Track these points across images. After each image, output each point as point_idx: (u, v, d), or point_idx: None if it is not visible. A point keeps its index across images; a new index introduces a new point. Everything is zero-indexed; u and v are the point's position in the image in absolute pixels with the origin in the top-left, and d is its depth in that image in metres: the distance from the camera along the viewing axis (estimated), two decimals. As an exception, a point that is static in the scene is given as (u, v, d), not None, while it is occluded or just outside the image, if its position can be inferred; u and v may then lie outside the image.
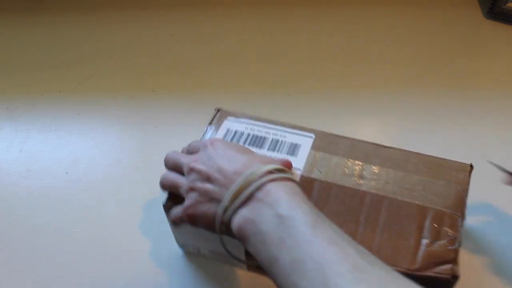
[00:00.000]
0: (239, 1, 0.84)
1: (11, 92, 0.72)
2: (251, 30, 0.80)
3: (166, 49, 0.77)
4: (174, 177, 0.44)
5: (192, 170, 0.42)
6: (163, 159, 0.46)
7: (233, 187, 0.38)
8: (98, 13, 0.83)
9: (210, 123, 0.52)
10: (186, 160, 0.43)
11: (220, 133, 0.51)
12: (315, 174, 0.47)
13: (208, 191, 0.40)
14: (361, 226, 0.43)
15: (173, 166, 0.45)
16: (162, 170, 0.62)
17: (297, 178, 0.46)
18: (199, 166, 0.41)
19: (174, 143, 0.65)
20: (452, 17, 0.81)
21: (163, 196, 0.46)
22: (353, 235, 0.43)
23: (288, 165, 0.45)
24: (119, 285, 0.53)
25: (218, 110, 0.53)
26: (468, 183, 0.46)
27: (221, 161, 0.41)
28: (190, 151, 0.46)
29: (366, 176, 0.46)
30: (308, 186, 0.46)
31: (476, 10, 0.81)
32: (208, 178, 0.40)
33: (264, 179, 0.38)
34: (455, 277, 0.40)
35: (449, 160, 0.48)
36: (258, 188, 0.37)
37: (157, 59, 0.76)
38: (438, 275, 0.40)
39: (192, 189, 0.41)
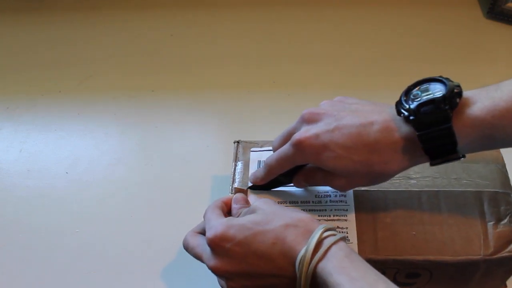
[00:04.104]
0: (239, 1, 0.84)
1: (11, 92, 0.72)
2: (251, 30, 0.80)
3: (166, 49, 0.77)
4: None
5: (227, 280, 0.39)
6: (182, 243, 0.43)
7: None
8: (98, 13, 0.83)
9: (236, 160, 0.49)
10: (209, 264, 0.39)
11: (253, 166, 0.48)
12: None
13: None
14: (427, 224, 0.44)
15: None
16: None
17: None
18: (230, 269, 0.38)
19: (174, 143, 0.65)
20: (452, 17, 0.81)
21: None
22: (423, 234, 0.44)
23: (245, 199, 0.44)
24: (119, 285, 0.53)
25: (238, 142, 0.51)
26: (502, 159, 0.47)
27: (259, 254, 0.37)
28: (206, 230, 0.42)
29: (412, 175, 0.47)
30: (364, 198, 0.46)
31: (476, 10, 0.81)
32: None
33: (313, 262, 0.35)
34: None
35: None
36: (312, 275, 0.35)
37: (157, 59, 0.76)
38: None
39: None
